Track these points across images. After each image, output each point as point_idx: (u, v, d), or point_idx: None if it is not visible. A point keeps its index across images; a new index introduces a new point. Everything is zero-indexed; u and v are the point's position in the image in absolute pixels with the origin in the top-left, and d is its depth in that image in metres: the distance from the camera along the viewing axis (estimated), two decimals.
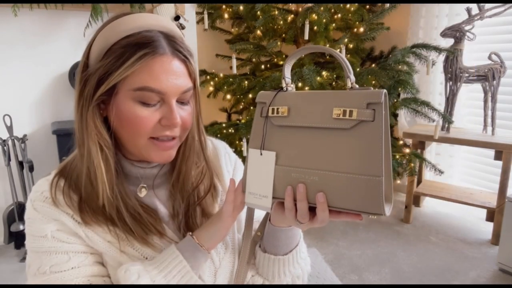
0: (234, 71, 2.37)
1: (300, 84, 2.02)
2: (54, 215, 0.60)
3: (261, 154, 0.56)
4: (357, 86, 0.52)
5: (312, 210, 0.53)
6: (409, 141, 2.48)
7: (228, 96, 2.62)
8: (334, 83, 2.22)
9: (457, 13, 2.45)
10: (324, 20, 2.17)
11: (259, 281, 0.70)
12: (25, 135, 2.09)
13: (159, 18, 0.59)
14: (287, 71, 0.59)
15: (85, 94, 0.58)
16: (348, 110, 0.49)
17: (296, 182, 0.52)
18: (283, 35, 2.46)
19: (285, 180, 0.54)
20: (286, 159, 0.54)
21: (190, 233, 0.63)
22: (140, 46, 0.55)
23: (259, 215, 0.72)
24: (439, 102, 2.61)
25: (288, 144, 0.54)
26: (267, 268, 0.68)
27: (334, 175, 0.50)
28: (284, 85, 0.58)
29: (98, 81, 0.56)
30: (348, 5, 2.33)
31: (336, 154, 0.50)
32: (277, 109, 0.56)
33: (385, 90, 0.48)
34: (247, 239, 0.68)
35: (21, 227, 2.08)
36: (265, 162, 0.56)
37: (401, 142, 2.45)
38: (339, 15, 2.38)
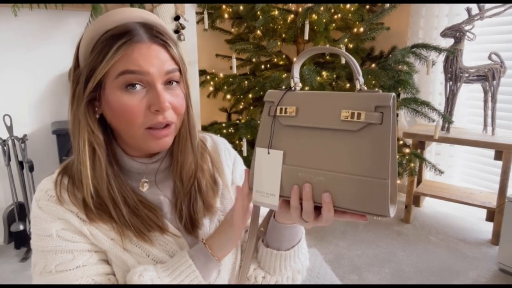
0: (234, 71, 2.37)
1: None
2: (59, 214, 0.60)
3: (268, 153, 0.57)
4: (365, 88, 0.52)
5: (317, 209, 0.54)
6: (409, 141, 2.48)
7: (228, 96, 2.62)
8: (334, 83, 2.22)
9: (457, 13, 2.45)
10: (324, 20, 2.17)
11: (260, 274, 0.71)
12: (25, 135, 2.09)
13: (138, 11, 0.60)
14: (296, 71, 0.60)
15: (76, 93, 0.59)
16: (356, 112, 0.50)
17: (302, 181, 0.53)
18: (283, 35, 2.46)
19: (292, 179, 0.54)
20: (293, 158, 0.55)
21: (203, 240, 0.64)
22: (117, 37, 0.56)
23: (262, 211, 0.73)
24: (439, 102, 2.62)
25: (296, 144, 0.55)
26: (269, 262, 0.70)
27: (340, 176, 0.50)
28: (292, 84, 0.59)
29: (86, 79, 0.58)
30: (348, 5, 2.33)
31: (343, 156, 0.51)
32: (285, 108, 0.56)
33: (393, 94, 0.49)
34: (252, 237, 0.69)
35: (21, 227, 2.08)
36: (272, 161, 0.56)
37: (401, 142, 2.45)
38: (339, 15, 2.38)
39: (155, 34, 0.58)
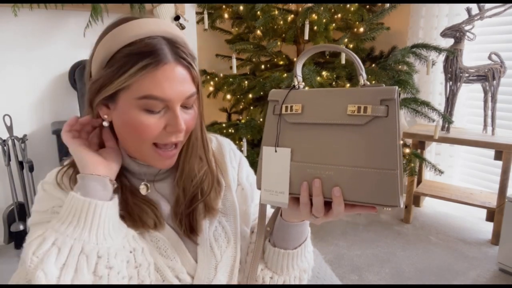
0: (234, 71, 2.37)
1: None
2: (58, 194, 0.62)
3: (275, 151, 0.57)
4: (368, 83, 0.53)
5: (327, 204, 0.54)
6: (409, 141, 2.48)
7: (228, 96, 2.62)
8: (334, 83, 2.22)
9: (457, 13, 2.45)
10: (324, 20, 2.17)
11: (268, 274, 0.71)
12: (25, 135, 2.09)
13: (161, 23, 0.58)
14: (299, 70, 0.60)
15: (86, 100, 0.60)
16: (363, 106, 0.51)
17: (311, 177, 0.54)
18: (283, 35, 2.46)
19: (301, 176, 0.55)
20: (301, 155, 0.55)
21: None
22: (142, 55, 0.55)
23: (268, 212, 0.73)
24: (439, 102, 2.62)
25: (303, 141, 0.55)
26: (276, 262, 0.70)
27: (349, 169, 0.51)
28: (296, 83, 0.59)
29: (99, 88, 0.57)
30: (348, 5, 2.33)
31: (351, 149, 0.51)
32: (291, 106, 0.57)
33: (397, 87, 0.50)
34: (261, 237, 0.69)
35: (21, 227, 2.08)
36: (280, 159, 0.57)
37: (401, 142, 2.45)
38: (339, 15, 2.38)
39: (181, 55, 0.57)
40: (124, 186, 0.64)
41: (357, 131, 0.51)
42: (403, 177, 2.27)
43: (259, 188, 0.60)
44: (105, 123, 0.61)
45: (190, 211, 0.67)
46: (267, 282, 0.71)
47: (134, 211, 0.63)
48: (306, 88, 0.60)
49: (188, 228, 0.67)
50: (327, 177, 0.53)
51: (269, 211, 0.73)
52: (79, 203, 0.54)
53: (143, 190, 0.66)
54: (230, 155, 0.77)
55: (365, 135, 0.51)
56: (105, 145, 0.64)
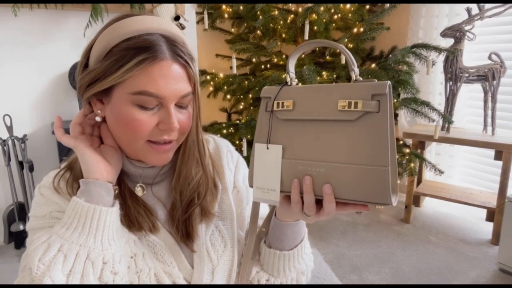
0: (234, 71, 2.37)
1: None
2: (56, 199, 0.62)
3: (267, 148, 0.57)
4: (361, 78, 0.52)
5: (319, 202, 0.53)
6: (409, 141, 2.48)
7: (228, 96, 2.62)
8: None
9: (457, 13, 2.45)
10: (324, 20, 2.17)
11: (264, 277, 0.70)
12: (25, 135, 2.09)
13: (161, 21, 0.58)
14: (291, 66, 0.59)
15: (77, 89, 0.60)
16: (353, 101, 0.50)
17: (302, 174, 0.53)
18: (283, 35, 2.46)
19: (292, 173, 0.54)
20: (292, 152, 0.54)
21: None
22: (139, 50, 0.54)
23: (262, 212, 0.72)
24: (439, 102, 2.62)
25: (294, 137, 0.55)
26: (272, 263, 0.69)
27: (340, 166, 0.50)
28: (288, 79, 0.58)
29: (92, 80, 0.57)
30: (348, 5, 2.33)
31: (342, 146, 0.50)
32: (282, 103, 0.56)
33: (389, 82, 0.49)
34: (252, 234, 0.68)
35: (21, 227, 2.08)
36: (271, 156, 0.56)
37: (401, 142, 2.45)
38: (339, 15, 2.38)
39: (178, 53, 0.57)
40: (121, 188, 0.64)
41: (348, 127, 0.50)
42: (400, 176, 2.28)
43: (251, 185, 0.59)
44: (98, 118, 0.61)
45: (187, 217, 0.66)
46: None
47: (131, 214, 0.63)
48: (300, 84, 0.59)
49: (185, 233, 0.66)
50: (318, 174, 0.51)
51: (265, 212, 0.72)
52: (83, 209, 0.54)
53: (138, 192, 0.66)
54: (227, 157, 0.76)
55: (356, 131, 0.49)
56: (104, 142, 0.63)
